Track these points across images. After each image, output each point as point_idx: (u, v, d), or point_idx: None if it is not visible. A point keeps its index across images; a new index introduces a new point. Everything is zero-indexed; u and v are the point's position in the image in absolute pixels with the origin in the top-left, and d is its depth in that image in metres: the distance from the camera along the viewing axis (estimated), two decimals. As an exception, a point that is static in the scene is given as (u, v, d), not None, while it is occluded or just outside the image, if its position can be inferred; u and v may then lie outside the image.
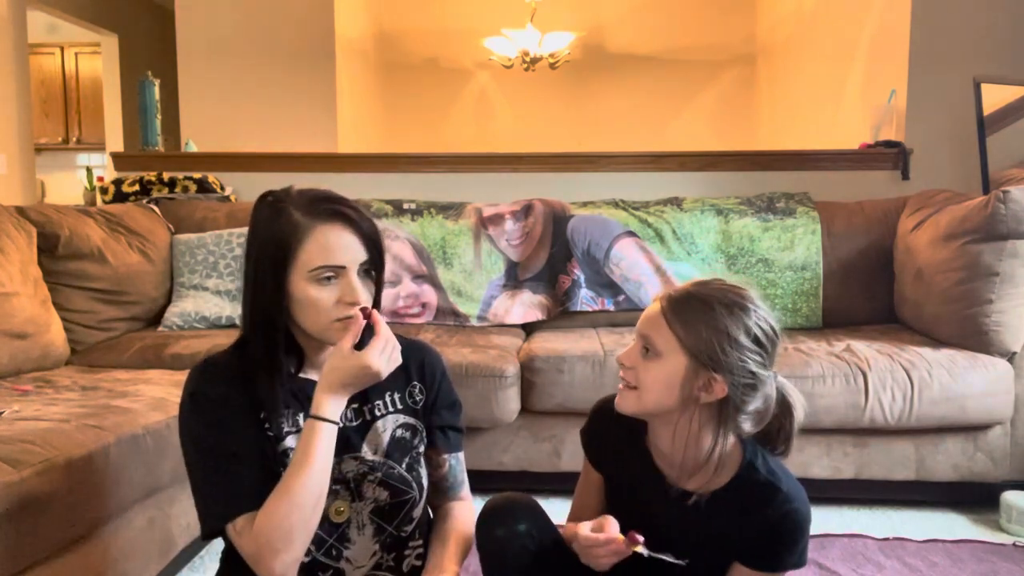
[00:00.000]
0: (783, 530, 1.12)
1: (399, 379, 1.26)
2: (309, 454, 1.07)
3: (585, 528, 1.09)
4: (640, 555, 1.05)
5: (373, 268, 1.16)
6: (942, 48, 3.25)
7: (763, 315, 1.11)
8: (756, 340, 1.09)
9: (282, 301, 1.12)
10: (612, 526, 1.07)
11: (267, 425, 1.15)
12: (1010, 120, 3.00)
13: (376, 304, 1.20)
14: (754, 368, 1.08)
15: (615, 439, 1.24)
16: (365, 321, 1.11)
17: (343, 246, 1.11)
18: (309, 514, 1.07)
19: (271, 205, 1.14)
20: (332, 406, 1.09)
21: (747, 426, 1.12)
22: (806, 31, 4.61)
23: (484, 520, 1.20)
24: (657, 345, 1.11)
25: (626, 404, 1.15)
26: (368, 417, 1.22)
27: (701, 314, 1.09)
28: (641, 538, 1.04)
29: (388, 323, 1.22)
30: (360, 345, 1.10)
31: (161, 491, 1.69)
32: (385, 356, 1.11)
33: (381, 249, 1.16)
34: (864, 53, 3.72)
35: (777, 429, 1.17)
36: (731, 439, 1.14)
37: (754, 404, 1.10)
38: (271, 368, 1.14)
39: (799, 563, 1.14)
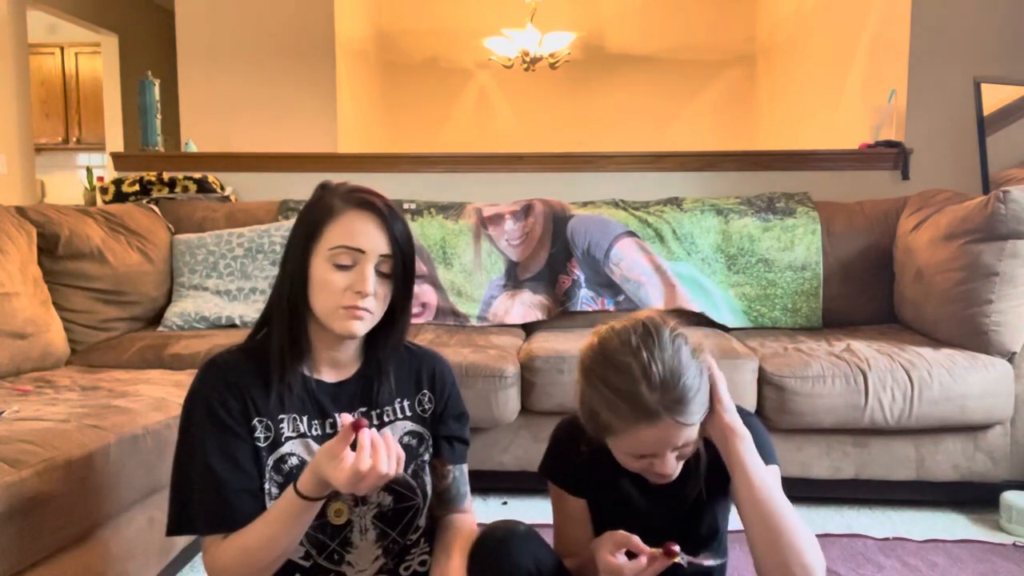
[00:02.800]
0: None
1: (410, 386, 1.27)
2: (281, 525, 1.06)
3: (618, 557, 1.06)
4: (680, 565, 1.06)
5: (394, 271, 1.15)
6: (942, 48, 3.25)
7: (676, 327, 1.10)
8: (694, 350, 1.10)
9: (303, 279, 1.14)
10: (638, 543, 1.06)
11: (259, 434, 1.14)
12: (1010, 120, 3.00)
13: (402, 312, 1.20)
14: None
15: (591, 460, 1.19)
16: (354, 435, 0.99)
17: (367, 233, 1.12)
18: (263, 571, 1.09)
19: (319, 191, 1.18)
20: (317, 491, 1.05)
21: None
22: (806, 31, 4.61)
23: (475, 550, 1.15)
24: (692, 437, 1.09)
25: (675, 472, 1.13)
26: (377, 423, 1.22)
27: (699, 388, 1.07)
28: (677, 547, 1.04)
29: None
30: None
31: (161, 491, 1.69)
32: (365, 485, 1.00)
33: (408, 256, 1.16)
34: (864, 53, 3.72)
35: None
36: None
37: None
38: (285, 352, 1.15)
39: (770, 457, 1.17)
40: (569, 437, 1.23)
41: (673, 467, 1.08)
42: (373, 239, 1.13)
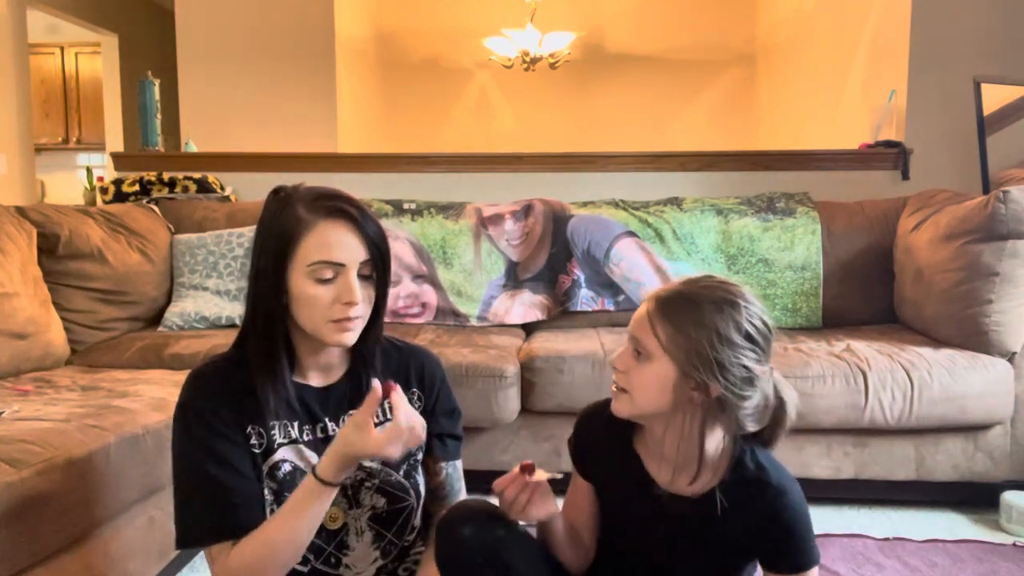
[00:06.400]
0: (782, 525, 1.10)
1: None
2: (302, 514, 1.07)
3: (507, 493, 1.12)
4: (554, 479, 1.13)
5: (375, 272, 1.14)
6: (942, 48, 3.26)
7: (755, 311, 1.08)
8: (749, 337, 1.06)
9: (281, 295, 1.11)
10: (513, 472, 1.12)
11: (253, 441, 1.13)
12: (1010, 120, 3.00)
13: (381, 308, 1.19)
14: (749, 364, 1.06)
15: (603, 446, 1.21)
16: (384, 398, 1.06)
17: (344, 244, 1.10)
18: (285, 563, 1.08)
19: (279, 199, 1.14)
20: (339, 474, 1.07)
21: (749, 424, 1.09)
22: (806, 31, 4.61)
23: (439, 529, 1.15)
24: (647, 347, 1.08)
25: (620, 408, 1.13)
26: None
27: (689, 314, 1.07)
28: (532, 462, 1.11)
29: (387, 322, 1.21)
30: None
31: (161, 491, 1.69)
32: (400, 444, 1.06)
33: (385, 253, 1.14)
34: (864, 53, 3.72)
35: (771, 425, 1.13)
36: (725, 437, 1.11)
37: (753, 401, 1.07)
38: (268, 367, 1.13)
39: (814, 557, 1.11)
40: (590, 423, 1.25)
41: (621, 359, 1.12)
42: (351, 249, 1.10)
